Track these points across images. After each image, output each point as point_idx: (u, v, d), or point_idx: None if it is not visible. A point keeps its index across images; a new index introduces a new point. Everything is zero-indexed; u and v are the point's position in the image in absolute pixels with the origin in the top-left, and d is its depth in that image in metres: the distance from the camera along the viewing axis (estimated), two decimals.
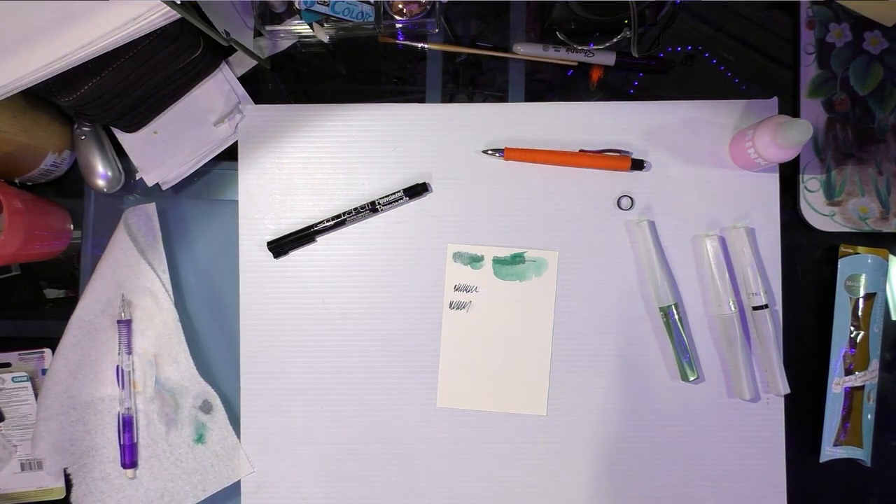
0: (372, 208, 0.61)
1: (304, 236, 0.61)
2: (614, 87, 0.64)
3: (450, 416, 0.62)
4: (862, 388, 0.60)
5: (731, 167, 0.61)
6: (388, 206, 0.61)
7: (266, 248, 0.62)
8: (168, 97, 0.61)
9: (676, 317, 0.60)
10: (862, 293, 0.60)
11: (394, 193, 0.61)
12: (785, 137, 0.53)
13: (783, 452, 0.61)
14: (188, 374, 0.61)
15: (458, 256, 0.62)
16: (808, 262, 0.63)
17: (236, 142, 0.63)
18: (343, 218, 0.61)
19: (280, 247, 0.61)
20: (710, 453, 0.61)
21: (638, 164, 0.60)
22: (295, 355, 0.62)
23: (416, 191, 0.61)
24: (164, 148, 0.62)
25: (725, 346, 0.61)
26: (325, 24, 0.60)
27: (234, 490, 0.62)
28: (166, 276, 0.62)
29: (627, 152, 0.61)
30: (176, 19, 0.48)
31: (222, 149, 0.63)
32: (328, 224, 0.61)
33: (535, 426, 0.61)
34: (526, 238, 0.62)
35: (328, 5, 0.57)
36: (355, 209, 0.61)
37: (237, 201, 0.63)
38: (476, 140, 0.62)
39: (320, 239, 0.62)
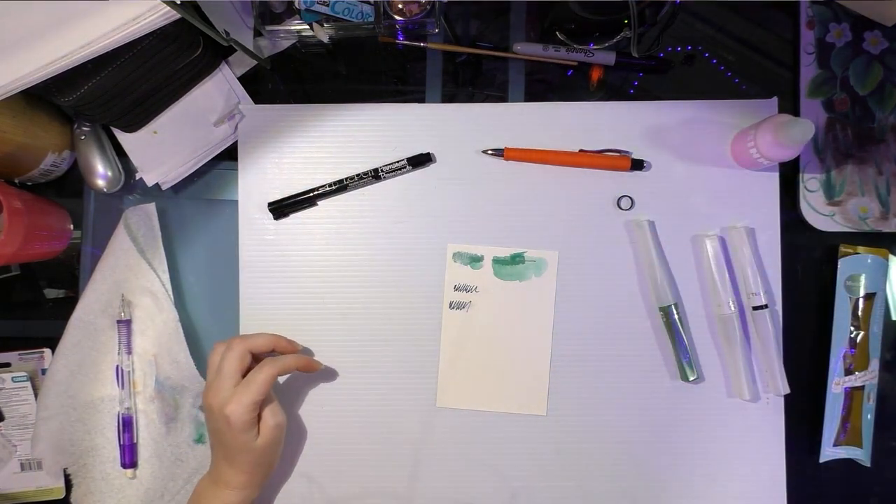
0: (375, 175, 0.61)
1: (305, 199, 0.61)
2: (614, 87, 0.64)
3: (450, 416, 0.62)
4: (862, 388, 0.60)
5: (731, 167, 0.61)
6: (390, 175, 0.61)
7: (265, 248, 0.62)
8: (168, 97, 0.61)
9: (676, 317, 0.60)
10: (862, 293, 0.60)
11: (397, 162, 0.61)
12: (787, 136, 0.53)
13: (783, 452, 0.61)
14: (188, 374, 0.61)
15: (458, 256, 0.62)
16: (808, 262, 0.63)
17: (236, 142, 0.63)
18: (345, 183, 0.61)
19: (280, 209, 0.61)
20: (710, 453, 0.61)
21: (638, 164, 0.61)
22: None
23: (420, 160, 0.61)
24: (164, 148, 0.62)
25: (725, 346, 0.61)
26: (325, 24, 0.60)
27: None
28: (166, 276, 0.62)
29: (627, 152, 0.61)
30: (176, 19, 0.48)
31: (222, 149, 0.63)
32: (330, 188, 0.61)
33: (535, 426, 0.61)
34: (526, 238, 0.62)
35: (328, 5, 0.57)
36: (358, 175, 0.61)
37: (237, 201, 0.63)
38: (476, 140, 0.62)
39: (320, 238, 0.62)
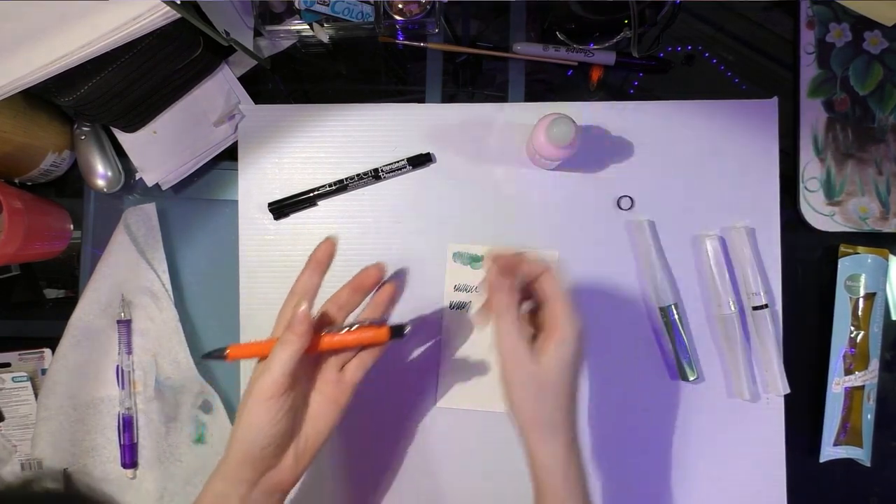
0: (375, 175, 0.61)
1: (305, 199, 0.61)
2: (614, 87, 0.64)
3: (450, 416, 0.62)
4: (862, 387, 0.60)
5: (731, 167, 0.61)
6: (390, 175, 0.61)
7: (265, 248, 0.62)
8: (168, 97, 0.61)
9: (676, 317, 0.60)
10: (862, 293, 0.60)
11: (397, 162, 0.61)
12: (552, 135, 0.52)
13: (783, 452, 0.61)
14: (188, 374, 0.61)
15: (458, 256, 0.62)
16: (808, 262, 0.63)
17: (236, 142, 0.63)
18: (345, 183, 0.61)
19: (280, 209, 0.61)
20: (710, 453, 0.61)
21: (398, 332, 0.49)
22: None
23: (420, 160, 0.61)
24: (164, 148, 0.62)
25: (725, 346, 0.61)
26: (325, 24, 0.60)
27: None
28: (166, 276, 0.62)
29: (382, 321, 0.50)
30: (176, 19, 0.48)
31: (222, 149, 0.63)
32: (330, 188, 0.61)
33: None
34: (526, 238, 0.62)
35: (328, 5, 0.57)
36: (358, 175, 0.61)
37: (237, 201, 0.63)
38: (476, 140, 0.62)
39: (320, 238, 0.62)
